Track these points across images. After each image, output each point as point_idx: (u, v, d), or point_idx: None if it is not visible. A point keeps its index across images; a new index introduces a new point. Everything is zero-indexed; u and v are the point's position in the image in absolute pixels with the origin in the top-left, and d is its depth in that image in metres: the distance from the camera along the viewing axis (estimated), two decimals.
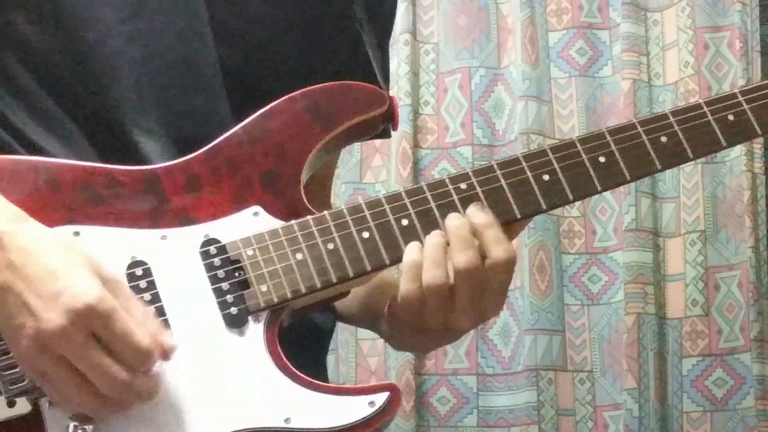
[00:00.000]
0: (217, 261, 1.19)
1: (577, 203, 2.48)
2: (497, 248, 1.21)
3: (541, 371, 2.38)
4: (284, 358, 1.16)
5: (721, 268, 2.39)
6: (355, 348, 2.47)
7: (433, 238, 1.22)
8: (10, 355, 1.12)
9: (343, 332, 2.48)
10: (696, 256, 2.40)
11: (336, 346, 2.48)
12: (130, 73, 1.26)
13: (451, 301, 1.22)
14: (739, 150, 2.38)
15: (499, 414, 2.42)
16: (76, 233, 1.17)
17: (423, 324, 1.24)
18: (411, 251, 1.21)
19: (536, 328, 2.40)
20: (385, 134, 1.47)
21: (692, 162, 2.39)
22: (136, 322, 1.08)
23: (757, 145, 2.39)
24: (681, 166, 2.42)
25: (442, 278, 1.20)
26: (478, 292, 1.21)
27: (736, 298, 2.36)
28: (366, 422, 1.14)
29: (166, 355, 1.10)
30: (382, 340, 2.44)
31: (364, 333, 2.47)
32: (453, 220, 1.22)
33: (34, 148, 1.24)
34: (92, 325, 1.06)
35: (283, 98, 1.26)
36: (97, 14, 1.26)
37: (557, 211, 2.47)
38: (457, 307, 1.22)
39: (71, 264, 1.08)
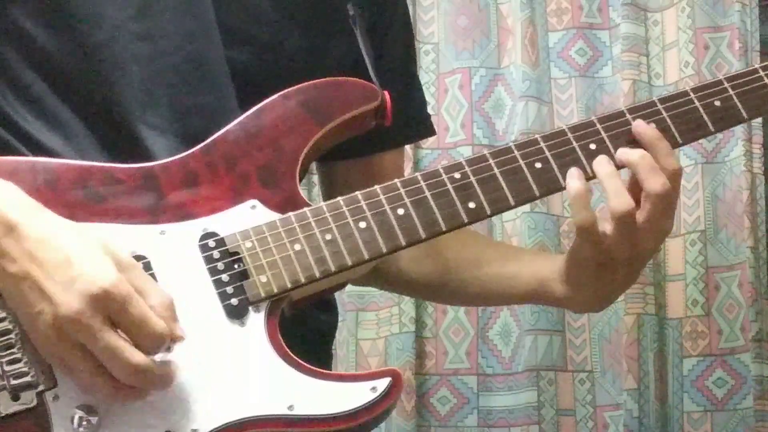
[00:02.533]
0: (216, 253, 1.20)
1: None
2: (668, 160, 1.29)
3: (542, 371, 2.38)
4: (285, 347, 1.17)
5: (721, 268, 2.39)
6: (355, 348, 2.47)
7: (605, 167, 1.28)
8: (14, 349, 1.13)
9: (342, 332, 2.48)
10: (696, 257, 2.40)
11: (335, 345, 2.48)
12: (138, 71, 1.28)
13: (636, 226, 1.27)
14: (738, 150, 2.37)
15: (500, 414, 2.42)
16: None
17: (608, 255, 1.29)
18: (574, 183, 1.28)
19: (536, 328, 2.40)
20: (428, 133, 1.51)
21: (692, 162, 2.40)
22: (152, 305, 1.10)
23: (756, 145, 2.39)
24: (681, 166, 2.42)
25: (630, 204, 1.27)
26: (662, 208, 1.28)
27: (736, 299, 2.35)
28: (369, 407, 1.15)
29: (174, 342, 1.12)
30: (382, 340, 2.46)
31: (364, 333, 2.47)
32: (633, 154, 1.29)
33: (38, 147, 1.26)
34: (108, 309, 1.07)
35: (276, 95, 1.28)
36: (103, 13, 1.28)
37: (557, 212, 2.47)
38: (643, 230, 1.28)
39: (86, 250, 1.10)
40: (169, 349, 1.13)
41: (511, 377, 2.42)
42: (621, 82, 2.44)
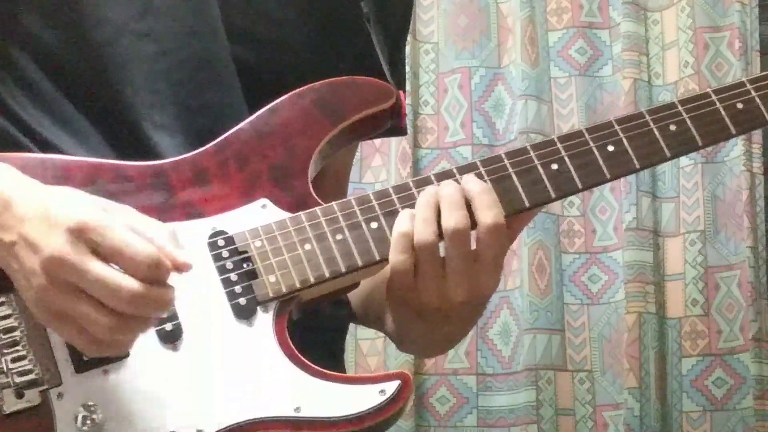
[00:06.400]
0: (225, 252, 1.19)
1: (577, 202, 2.48)
2: (486, 213, 1.20)
3: (541, 371, 2.38)
4: (293, 348, 1.16)
5: (720, 268, 2.39)
6: (355, 348, 2.47)
7: (423, 197, 1.21)
8: (19, 346, 1.12)
9: None
10: (696, 256, 2.40)
11: None
12: (143, 70, 1.27)
13: (443, 271, 1.21)
14: (738, 150, 2.38)
15: (499, 414, 2.42)
16: None
17: (418, 300, 1.23)
18: (402, 221, 1.21)
19: (536, 327, 2.40)
20: (400, 131, 1.48)
21: (692, 162, 2.40)
22: (150, 237, 1.07)
23: (756, 145, 2.40)
24: (681, 166, 2.42)
25: (432, 236, 1.19)
26: (470, 260, 1.21)
27: (735, 298, 2.36)
28: (377, 411, 1.14)
29: (179, 268, 1.08)
30: (381, 340, 2.45)
31: (364, 333, 2.47)
32: (447, 186, 1.22)
33: (46, 145, 1.25)
34: (88, 240, 1.05)
35: (290, 93, 1.27)
36: (108, 13, 1.27)
37: (557, 211, 2.47)
38: (449, 277, 1.21)
39: (65, 197, 1.09)
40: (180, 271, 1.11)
41: (511, 377, 2.42)
42: (621, 81, 2.44)
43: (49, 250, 1.05)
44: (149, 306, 1.08)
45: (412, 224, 1.20)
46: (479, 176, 1.25)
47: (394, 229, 1.20)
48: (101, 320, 1.07)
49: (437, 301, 1.23)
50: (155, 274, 1.06)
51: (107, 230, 1.06)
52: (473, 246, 1.22)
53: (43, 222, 1.07)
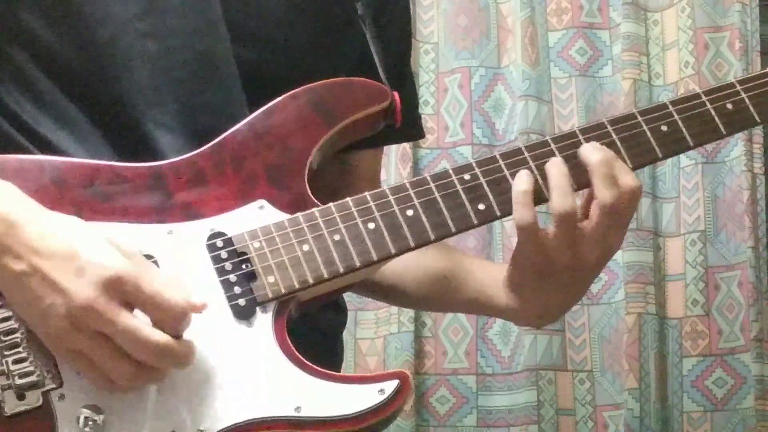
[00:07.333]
0: (223, 254, 1.20)
1: (578, 201, 2.48)
2: (627, 177, 1.25)
3: (541, 371, 2.38)
4: (293, 348, 1.17)
5: (721, 268, 2.39)
6: (354, 347, 2.47)
7: (555, 167, 1.25)
8: (19, 348, 1.13)
9: None
10: (696, 256, 2.40)
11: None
12: (145, 68, 1.28)
13: (580, 233, 1.25)
14: (738, 150, 2.38)
15: (499, 414, 2.42)
16: None
17: (549, 260, 1.26)
18: (521, 180, 1.24)
19: None
20: (415, 135, 1.49)
21: (693, 162, 2.40)
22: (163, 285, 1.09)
23: (757, 145, 2.40)
24: (681, 166, 2.42)
25: (572, 207, 1.24)
26: (610, 222, 1.25)
27: (736, 298, 2.36)
28: (376, 410, 1.15)
29: (198, 311, 1.11)
30: (381, 340, 2.45)
31: (363, 332, 2.47)
32: (594, 156, 1.25)
33: (46, 145, 1.26)
34: (122, 292, 1.07)
35: (285, 94, 1.28)
36: (109, 11, 1.28)
37: None
38: (588, 241, 1.25)
39: (90, 240, 1.10)
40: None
41: (511, 377, 2.42)
42: (621, 82, 2.44)
43: (80, 298, 1.06)
44: (173, 359, 1.11)
45: (531, 183, 1.24)
46: (474, 177, 1.27)
47: (514, 189, 1.24)
48: (122, 367, 1.10)
49: (569, 261, 1.26)
50: (183, 326, 1.10)
51: (140, 283, 1.08)
52: None
53: (68, 264, 1.08)
